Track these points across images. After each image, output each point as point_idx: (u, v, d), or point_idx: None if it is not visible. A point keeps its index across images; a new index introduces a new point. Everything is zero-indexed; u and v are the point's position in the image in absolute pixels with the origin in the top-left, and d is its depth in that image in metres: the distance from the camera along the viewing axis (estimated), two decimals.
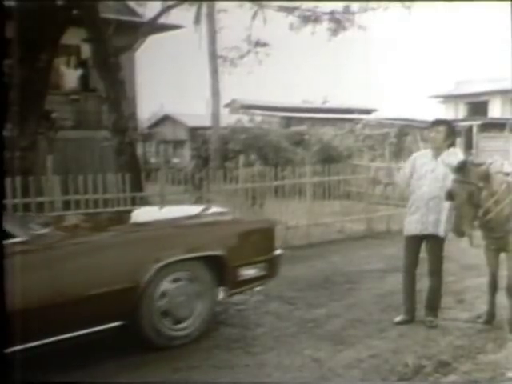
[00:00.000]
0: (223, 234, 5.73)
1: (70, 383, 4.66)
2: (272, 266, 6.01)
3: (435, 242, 5.82)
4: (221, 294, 5.66)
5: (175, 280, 5.26)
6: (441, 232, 5.76)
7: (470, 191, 5.22)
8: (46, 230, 4.93)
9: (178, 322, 5.32)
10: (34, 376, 4.41)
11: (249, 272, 5.77)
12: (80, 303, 4.68)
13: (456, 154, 5.79)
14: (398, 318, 5.93)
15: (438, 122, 5.93)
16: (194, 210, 6.99)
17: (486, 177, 5.31)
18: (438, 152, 5.81)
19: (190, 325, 5.38)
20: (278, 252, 6.10)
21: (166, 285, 5.18)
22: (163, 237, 5.38)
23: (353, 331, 5.70)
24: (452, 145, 5.88)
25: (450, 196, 5.35)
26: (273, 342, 5.42)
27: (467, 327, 5.77)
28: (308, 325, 5.89)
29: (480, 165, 5.52)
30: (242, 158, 11.65)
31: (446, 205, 5.59)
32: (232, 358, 5.08)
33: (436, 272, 5.88)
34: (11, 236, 4.41)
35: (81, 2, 9.43)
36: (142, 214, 6.77)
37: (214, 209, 7.13)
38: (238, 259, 5.61)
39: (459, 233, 5.33)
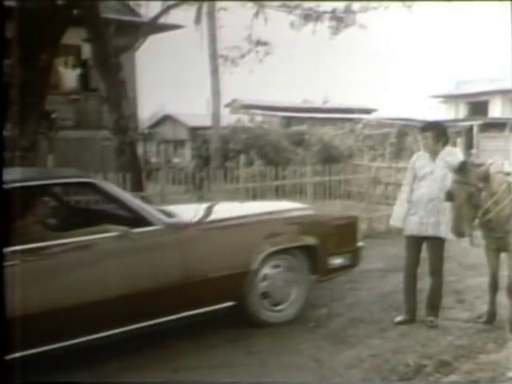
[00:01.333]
0: (316, 227, 6.21)
1: (70, 383, 4.66)
2: (356, 256, 6.54)
3: (436, 243, 5.82)
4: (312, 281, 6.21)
5: (275, 266, 5.84)
6: (442, 233, 5.76)
7: (469, 192, 5.22)
8: (174, 220, 5.38)
9: (276, 304, 5.88)
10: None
11: (337, 261, 6.30)
12: (205, 283, 5.28)
13: (454, 154, 5.79)
14: (399, 318, 5.92)
15: (424, 129, 5.97)
16: (278, 205, 7.31)
17: (486, 177, 5.31)
18: (434, 154, 5.82)
19: (287, 307, 5.93)
20: (360, 244, 6.63)
21: (267, 270, 5.77)
22: (271, 227, 5.88)
23: (353, 331, 5.71)
24: (445, 144, 5.85)
25: (450, 196, 5.36)
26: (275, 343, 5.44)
27: (468, 327, 5.77)
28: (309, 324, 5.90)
29: (480, 165, 5.53)
30: (242, 158, 11.66)
31: (446, 206, 5.57)
32: None
33: (437, 272, 5.87)
34: (150, 224, 5.10)
35: (81, 1, 9.43)
36: (237, 208, 7.03)
37: (293, 204, 7.35)
38: (328, 249, 6.14)
39: (459, 233, 5.34)
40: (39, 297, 4.48)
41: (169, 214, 5.45)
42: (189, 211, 5.88)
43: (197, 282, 5.22)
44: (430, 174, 5.80)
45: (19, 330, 4.04)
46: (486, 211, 5.31)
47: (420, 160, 5.94)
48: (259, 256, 5.58)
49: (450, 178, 5.50)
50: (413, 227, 5.86)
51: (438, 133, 5.83)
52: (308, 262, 6.02)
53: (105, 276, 4.82)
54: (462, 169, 5.33)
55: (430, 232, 5.77)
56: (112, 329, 4.82)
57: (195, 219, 5.64)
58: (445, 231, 5.71)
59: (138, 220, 5.11)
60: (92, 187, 5.34)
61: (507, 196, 5.40)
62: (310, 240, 5.99)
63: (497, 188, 5.36)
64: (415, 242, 5.90)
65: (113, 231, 4.95)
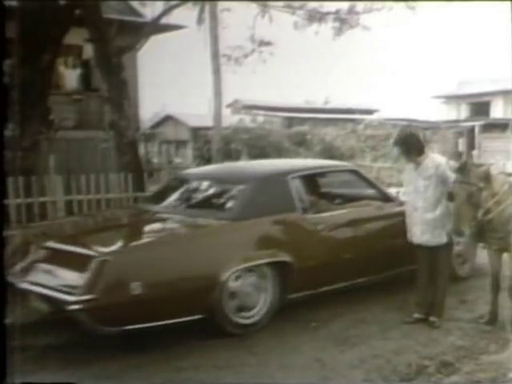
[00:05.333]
0: None
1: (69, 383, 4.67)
2: None
3: (439, 249, 5.83)
4: None
5: None
6: (431, 242, 5.79)
7: (469, 192, 5.24)
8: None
9: None
10: None
11: None
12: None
13: (438, 166, 5.74)
14: (411, 318, 5.93)
15: (393, 144, 6.06)
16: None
17: (487, 177, 5.31)
18: (416, 164, 5.82)
19: None
20: None
21: None
22: None
23: (356, 331, 5.71)
24: (420, 153, 5.76)
25: (451, 197, 5.38)
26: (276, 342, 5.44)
27: (470, 327, 5.76)
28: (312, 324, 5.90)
29: (481, 165, 5.54)
30: (245, 159, 11.65)
31: (435, 215, 5.68)
32: None
33: (440, 275, 5.89)
34: (391, 200, 6.81)
35: (83, 1, 9.42)
36: None
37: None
38: None
39: (458, 233, 5.37)
40: (323, 252, 6.01)
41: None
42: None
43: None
44: (413, 184, 5.86)
45: (305, 277, 5.77)
46: (487, 211, 5.32)
47: (407, 169, 6.03)
48: None
49: (432, 189, 5.66)
50: (413, 236, 5.93)
51: (407, 146, 5.80)
52: None
53: (367, 236, 6.44)
54: (462, 169, 5.36)
55: (415, 240, 5.88)
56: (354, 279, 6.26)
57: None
58: (430, 240, 5.76)
59: (384, 197, 6.84)
60: (355, 173, 6.99)
61: (509, 196, 5.40)
62: None
63: (498, 188, 5.37)
64: (421, 250, 5.91)
65: (373, 204, 6.74)
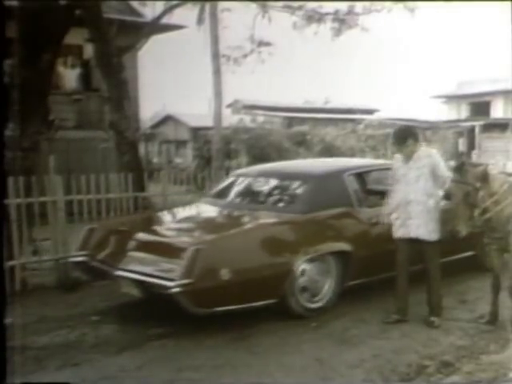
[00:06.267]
0: None
1: None
2: None
3: (425, 245, 5.84)
4: None
5: None
6: (426, 235, 5.80)
7: (466, 191, 5.27)
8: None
9: None
10: None
11: None
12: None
13: (429, 156, 5.82)
14: (390, 318, 5.94)
15: (392, 136, 6.12)
16: None
17: (484, 177, 5.34)
18: (406, 157, 5.88)
19: None
20: None
21: None
22: None
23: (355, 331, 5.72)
24: (413, 145, 5.83)
25: (447, 196, 5.41)
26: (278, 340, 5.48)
27: (470, 327, 5.77)
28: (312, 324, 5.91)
29: (479, 165, 5.55)
30: (244, 158, 11.65)
31: (425, 208, 5.72)
32: None
33: (431, 273, 5.90)
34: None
35: (84, 1, 9.42)
36: None
37: None
38: None
39: (455, 232, 5.38)
40: (376, 243, 6.39)
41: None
42: None
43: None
44: (404, 177, 5.89)
45: (361, 266, 6.26)
46: (484, 210, 5.33)
47: (397, 162, 6.04)
48: None
49: (423, 179, 5.69)
50: (397, 230, 5.95)
51: (399, 138, 5.89)
52: None
53: None
54: (459, 168, 5.41)
55: (412, 234, 5.85)
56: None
57: None
58: (425, 233, 5.78)
59: None
60: None
61: (508, 196, 5.41)
62: None
63: (497, 188, 5.38)
64: (403, 244, 5.93)
65: None
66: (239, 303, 5.56)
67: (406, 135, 5.87)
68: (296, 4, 13.69)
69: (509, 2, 6.71)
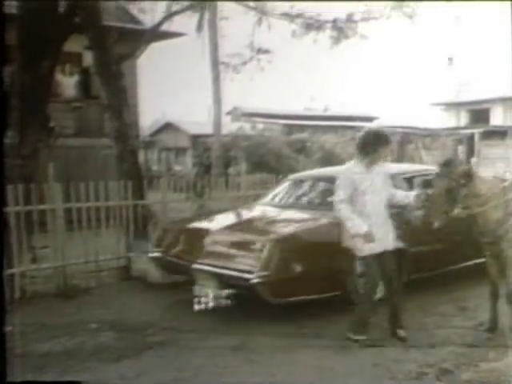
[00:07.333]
0: None
1: (67, 383, 4.68)
2: None
3: (395, 254, 5.66)
4: None
5: None
6: (391, 244, 5.62)
7: (448, 186, 5.35)
8: None
9: None
10: None
11: None
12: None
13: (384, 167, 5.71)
14: (360, 338, 5.52)
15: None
16: None
17: (468, 175, 5.41)
18: (369, 163, 5.50)
19: None
20: None
21: None
22: None
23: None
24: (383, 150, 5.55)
25: (429, 185, 5.53)
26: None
27: (469, 335, 5.75)
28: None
29: (467, 165, 5.65)
30: (244, 165, 11.66)
31: (388, 215, 5.62)
32: None
33: (396, 281, 5.64)
34: None
35: (83, 9, 9.44)
36: None
37: None
38: None
39: (428, 224, 5.50)
40: (427, 241, 6.85)
41: None
42: None
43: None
44: (370, 186, 5.48)
45: (415, 262, 6.70)
46: (465, 208, 5.40)
47: (353, 173, 5.55)
48: None
49: (385, 187, 5.59)
50: (369, 246, 5.46)
51: (370, 143, 5.50)
52: None
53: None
54: (446, 164, 5.52)
55: (382, 247, 5.51)
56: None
57: None
58: (391, 242, 5.62)
59: None
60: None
61: (498, 200, 5.43)
62: None
63: (486, 190, 5.44)
64: (374, 260, 5.54)
65: None
66: (309, 294, 6.06)
67: (361, 145, 5.52)
68: (295, 12, 13.70)
69: (509, 3, 6.69)
